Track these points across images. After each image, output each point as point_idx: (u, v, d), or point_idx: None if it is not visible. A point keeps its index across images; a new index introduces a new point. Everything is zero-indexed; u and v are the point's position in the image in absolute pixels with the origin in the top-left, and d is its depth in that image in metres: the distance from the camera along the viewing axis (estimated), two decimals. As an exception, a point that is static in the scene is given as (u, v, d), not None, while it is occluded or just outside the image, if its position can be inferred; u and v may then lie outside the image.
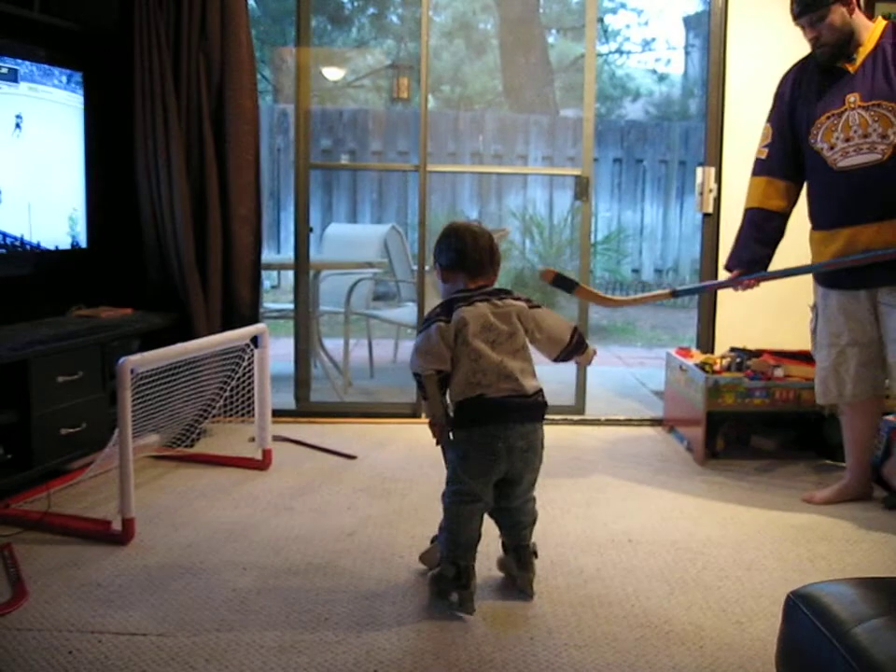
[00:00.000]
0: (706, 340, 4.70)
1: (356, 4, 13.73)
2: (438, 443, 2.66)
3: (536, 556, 2.72)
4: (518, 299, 2.65)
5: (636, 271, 10.35)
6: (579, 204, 8.60)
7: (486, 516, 2.67)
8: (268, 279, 9.34)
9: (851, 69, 3.29)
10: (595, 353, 2.82)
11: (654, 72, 15.26)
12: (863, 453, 3.54)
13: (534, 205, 9.65)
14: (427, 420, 2.67)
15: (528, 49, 11.92)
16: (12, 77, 3.61)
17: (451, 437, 2.63)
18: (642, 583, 2.77)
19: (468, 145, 9.79)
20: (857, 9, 3.30)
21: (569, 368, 4.86)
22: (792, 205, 3.54)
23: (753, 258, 3.55)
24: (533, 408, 2.59)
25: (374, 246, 5.96)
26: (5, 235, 3.65)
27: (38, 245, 3.86)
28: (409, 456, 4.01)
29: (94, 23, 4.11)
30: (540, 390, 2.62)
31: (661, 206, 10.41)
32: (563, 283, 3.72)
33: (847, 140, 3.26)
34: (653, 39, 15.32)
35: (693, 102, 14.16)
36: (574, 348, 2.69)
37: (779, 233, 3.55)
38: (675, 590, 2.72)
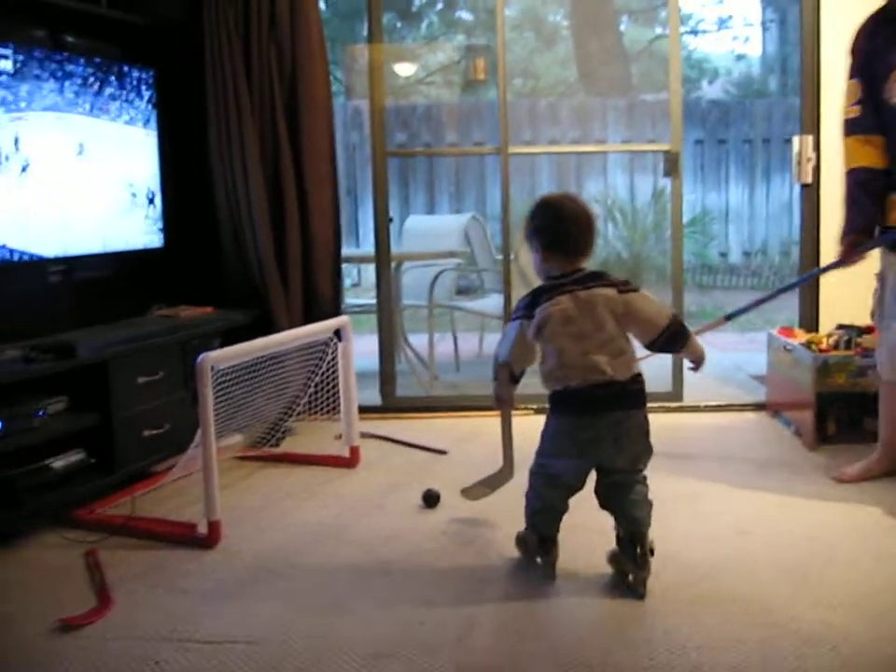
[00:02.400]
0: (809, 318, 4.44)
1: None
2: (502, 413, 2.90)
3: (652, 554, 2.51)
4: (609, 284, 2.51)
5: (723, 254, 10.03)
6: (663, 186, 8.28)
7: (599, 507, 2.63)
8: (348, 277, 9.25)
9: None
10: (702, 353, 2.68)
11: (732, 52, 14.86)
12: None
13: (615, 191, 9.40)
14: (497, 400, 2.71)
15: (602, 33, 11.66)
16: (83, 78, 3.54)
17: (546, 418, 2.62)
18: (762, 579, 2.56)
19: (545, 132, 9.58)
20: None
21: (663, 356, 4.66)
22: (891, 163, 3.27)
23: (867, 222, 3.28)
24: (623, 395, 2.51)
25: (455, 237, 5.80)
26: (80, 237, 3.59)
27: (116, 246, 3.79)
28: (499, 449, 3.82)
29: (163, 17, 4.02)
30: (637, 376, 2.54)
31: (746, 187, 10.07)
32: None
33: None
34: (729, 17, 14.85)
35: (774, 79, 13.74)
36: (671, 336, 2.52)
37: (886, 191, 3.27)
38: (798, 585, 2.51)
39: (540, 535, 2.63)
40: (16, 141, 3.25)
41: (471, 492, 3.14)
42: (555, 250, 2.54)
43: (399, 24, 13.47)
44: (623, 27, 13.04)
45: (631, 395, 2.53)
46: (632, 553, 2.50)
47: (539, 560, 2.64)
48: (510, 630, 2.31)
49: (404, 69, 11.05)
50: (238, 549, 2.89)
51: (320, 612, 2.43)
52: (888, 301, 3.29)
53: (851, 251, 3.28)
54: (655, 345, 2.57)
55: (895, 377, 3.31)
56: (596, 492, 2.62)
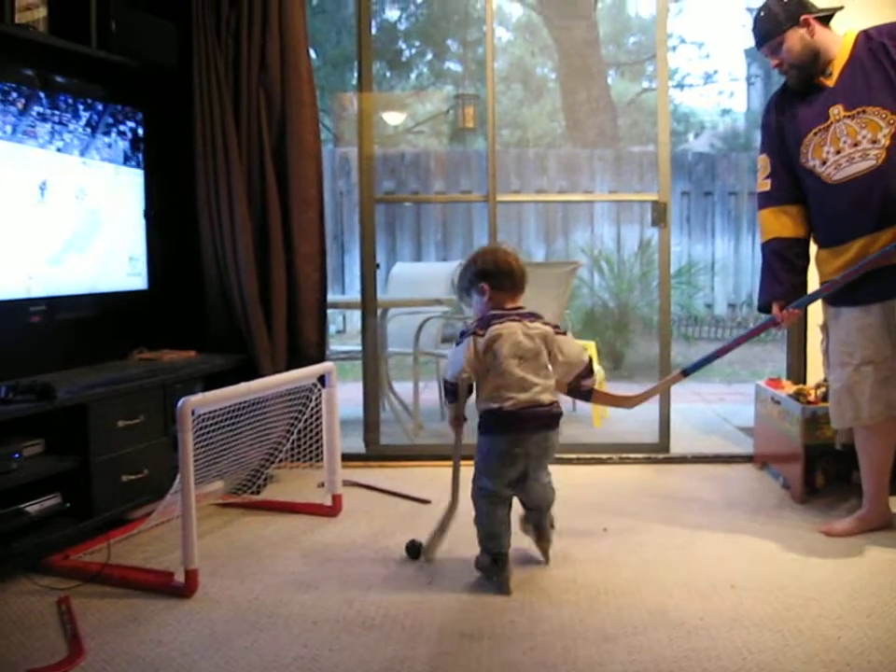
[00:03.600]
0: (797, 369, 4.42)
1: (414, 50, 13.73)
2: (455, 434, 2.98)
3: (553, 528, 3.04)
4: (546, 324, 2.93)
5: (709, 305, 10.04)
6: (649, 237, 8.31)
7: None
8: (333, 323, 9.21)
9: (830, 83, 3.22)
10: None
11: (718, 106, 15.02)
12: (881, 477, 3.33)
13: (602, 241, 9.42)
14: (454, 423, 2.96)
15: (589, 85, 11.76)
16: (71, 116, 3.52)
17: (477, 440, 2.91)
18: (752, 634, 2.49)
19: (532, 182, 9.60)
20: (818, 27, 3.23)
21: (651, 405, 4.62)
22: (809, 230, 3.39)
23: (787, 288, 3.37)
24: (547, 417, 2.87)
25: (442, 284, 5.78)
26: (61, 279, 3.54)
27: (99, 287, 3.75)
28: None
29: (153, 60, 4.00)
30: (556, 402, 2.91)
31: (732, 239, 10.11)
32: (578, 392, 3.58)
33: (839, 152, 3.17)
34: (715, 72, 15.06)
35: (758, 133, 13.85)
36: (584, 375, 3.01)
37: (805, 259, 3.41)
38: (789, 641, 2.45)
39: (493, 555, 2.86)
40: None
41: (430, 548, 3.11)
42: (503, 289, 2.93)
43: (388, 74, 13.57)
44: (610, 81, 13.16)
45: (554, 417, 2.89)
46: (536, 531, 3.03)
47: (494, 578, 2.86)
48: (494, 686, 2.24)
49: (393, 118, 11.11)
50: (216, 598, 2.82)
51: (298, 667, 2.35)
52: (832, 351, 3.35)
53: (784, 311, 3.34)
54: (572, 385, 3.05)
55: (843, 424, 3.35)
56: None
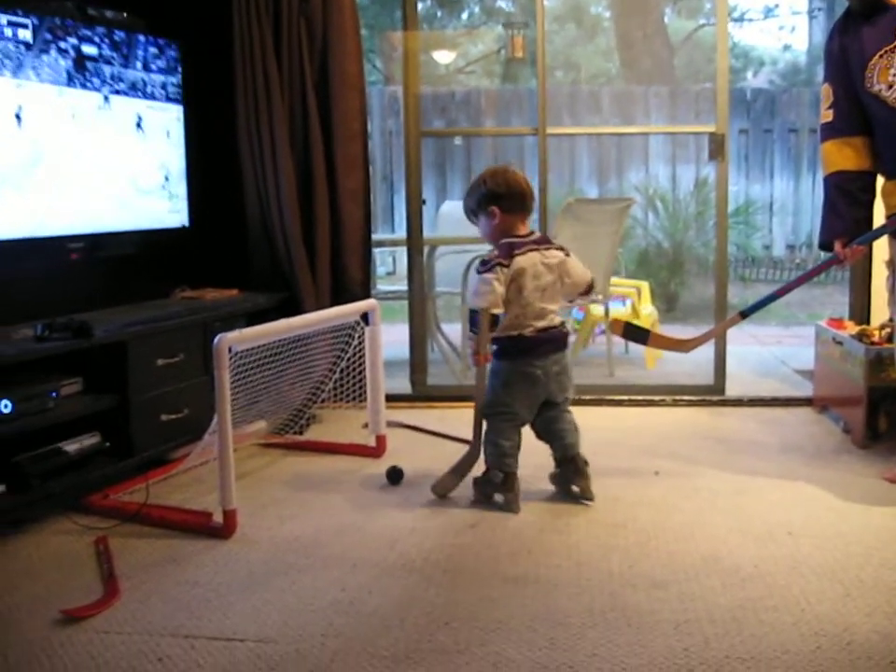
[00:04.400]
0: (860, 309, 4.24)
1: (465, -13, 13.43)
2: (477, 367, 2.98)
3: (587, 464, 3.01)
4: (558, 248, 3.01)
5: (767, 246, 9.77)
6: (705, 176, 8.05)
7: (536, 438, 3.09)
8: (382, 265, 9.11)
9: None
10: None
11: (778, 42, 14.53)
12: None
13: (657, 179, 9.17)
14: (476, 355, 2.93)
15: (645, 21, 11.42)
16: (106, 50, 3.42)
17: (493, 366, 2.98)
18: (811, 583, 2.37)
19: (585, 119, 9.36)
20: None
21: (706, 347, 4.49)
22: (875, 162, 3.19)
23: (849, 224, 3.18)
24: (561, 338, 3.00)
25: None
26: (103, 214, 3.47)
27: (139, 224, 3.67)
28: (531, 440, 3.65)
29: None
30: (563, 322, 3.03)
31: (791, 178, 9.81)
32: (635, 333, 3.62)
33: None
34: (776, 6, 14.52)
35: (821, 68, 13.38)
36: (586, 292, 3.11)
37: (870, 193, 3.21)
38: (851, 591, 2.32)
39: (505, 473, 2.94)
40: (33, 115, 3.13)
41: (441, 485, 3.10)
42: (513, 211, 2.96)
43: (439, 13, 13.31)
44: (665, 19, 12.78)
45: (564, 338, 3.02)
46: (572, 468, 3.00)
47: (501, 497, 2.95)
48: (541, 634, 2.14)
49: (444, 57, 10.89)
50: (255, 539, 2.76)
51: (335, 610, 2.28)
52: None
53: (846, 248, 3.17)
54: (574, 299, 3.28)
55: None
56: (533, 426, 3.06)
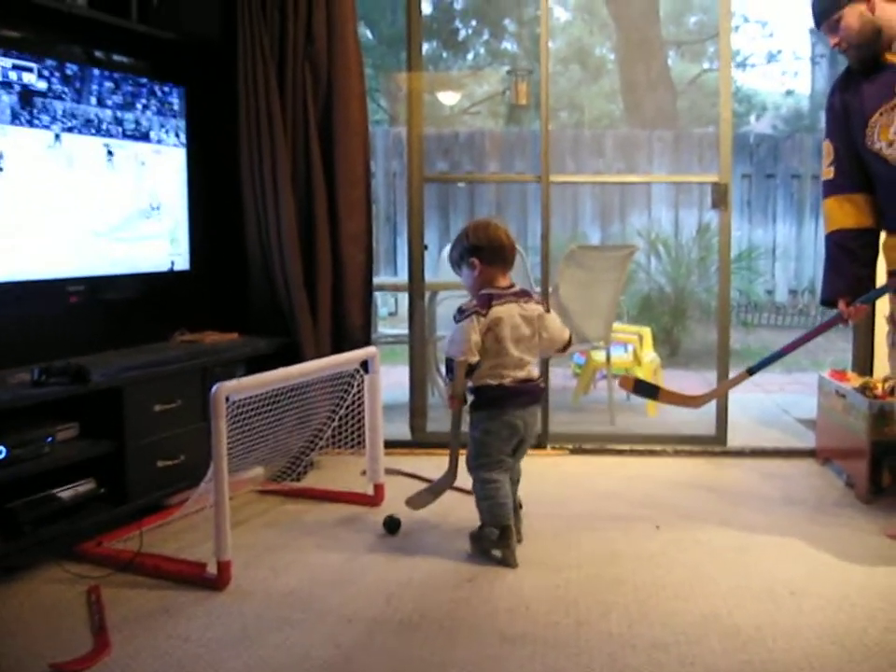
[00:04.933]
0: (863, 361, 4.22)
1: (470, 29, 13.54)
2: (452, 410, 3.04)
3: (521, 507, 3.14)
4: (537, 303, 3.08)
5: (769, 292, 9.77)
6: (708, 221, 8.05)
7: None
8: (384, 305, 9.11)
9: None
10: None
11: (781, 87, 14.62)
12: None
13: (659, 224, 9.18)
14: (452, 399, 3.00)
15: (649, 64, 11.49)
16: (112, 93, 3.42)
17: (473, 419, 3.03)
18: (812, 647, 2.33)
19: (589, 164, 9.39)
20: (879, 1, 3.01)
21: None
22: (877, 219, 3.19)
23: (851, 282, 3.17)
24: (538, 391, 3.07)
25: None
26: (103, 259, 3.46)
27: (139, 268, 3.66)
28: (536, 491, 3.61)
29: (195, 34, 3.90)
30: (541, 376, 3.12)
31: (794, 224, 9.82)
32: (645, 389, 3.66)
33: None
34: (779, 52, 14.62)
35: (823, 114, 13.44)
36: (563, 350, 3.18)
37: (872, 250, 3.20)
38: (854, 656, 2.28)
39: (502, 527, 2.93)
40: (28, 160, 3.13)
41: (416, 500, 3.19)
42: (493, 264, 3.02)
43: (444, 54, 13.41)
44: (669, 62, 12.87)
45: (540, 391, 3.09)
46: None
47: (498, 553, 2.94)
48: (535, 696, 2.10)
49: (448, 98, 10.95)
50: (249, 591, 2.72)
51: (328, 668, 2.24)
52: None
53: (850, 307, 3.16)
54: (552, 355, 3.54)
55: None
56: None
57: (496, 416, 2.98)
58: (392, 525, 3.23)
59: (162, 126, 3.72)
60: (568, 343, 3.14)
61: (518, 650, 2.32)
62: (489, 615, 2.52)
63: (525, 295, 3.05)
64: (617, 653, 2.29)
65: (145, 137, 3.62)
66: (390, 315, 9.28)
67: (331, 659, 2.28)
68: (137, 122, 3.57)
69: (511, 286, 3.06)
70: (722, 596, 2.64)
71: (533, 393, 3.03)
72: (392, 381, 5.79)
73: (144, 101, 3.60)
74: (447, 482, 3.17)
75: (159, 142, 3.70)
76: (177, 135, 3.81)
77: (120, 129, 3.49)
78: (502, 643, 2.36)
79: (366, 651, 2.33)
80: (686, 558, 2.95)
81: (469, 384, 3.00)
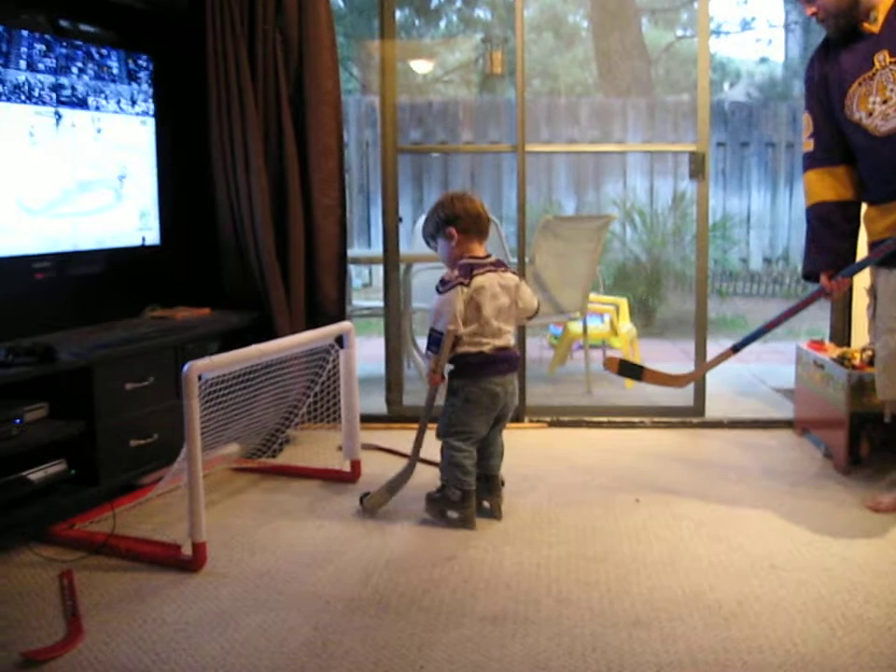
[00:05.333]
0: (841, 331, 4.21)
1: (443, -3, 13.39)
2: (431, 386, 3.05)
3: (503, 484, 3.16)
4: (513, 273, 3.10)
5: (744, 260, 9.76)
6: (683, 190, 8.00)
7: None
8: (359, 277, 9.05)
9: (875, 29, 2.98)
10: None
11: (755, 54, 14.58)
12: None
13: (634, 193, 9.14)
14: (433, 374, 3.01)
15: (623, 31, 11.40)
16: (77, 59, 3.33)
17: (452, 385, 3.04)
18: (795, 622, 2.31)
19: (563, 132, 9.32)
20: None
21: (687, 366, 4.44)
22: (858, 191, 3.17)
23: (833, 256, 3.17)
24: (515, 359, 3.09)
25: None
26: (76, 236, 3.38)
27: (107, 242, 3.58)
28: (515, 465, 3.58)
29: (163, 3, 3.80)
30: (515, 346, 3.14)
31: (769, 192, 9.80)
32: (629, 370, 3.64)
33: (885, 102, 2.95)
34: (753, 19, 14.57)
35: (798, 82, 13.44)
36: (530, 318, 3.24)
37: (853, 223, 3.20)
38: (836, 630, 2.27)
39: (464, 491, 2.99)
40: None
41: (373, 501, 3.15)
42: (470, 233, 3.04)
43: (417, 22, 13.25)
44: (643, 29, 12.77)
45: (517, 359, 3.11)
46: (488, 486, 3.11)
47: (455, 514, 3.01)
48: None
49: (421, 66, 10.83)
50: (225, 573, 2.67)
51: (308, 652, 2.20)
52: (879, 316, 3.13)
53: (832, 280, 3.16)
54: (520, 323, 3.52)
55: (890, 395, 3.15)
56: None
57: (476, 383, 2.99)
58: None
59: (131, 97, 3.63)
60: (536, 312, 3.18)
61: (498, 629, 2.29)
62: (469, 594, 2.49)
63: (501, 265, 3.07)
64: (598, 632, 2.27)
65: (114, 108, 3.53)
66: (364, 286, 9.22)
67: (309, 641, 2.25)
68: (106, 93, 3.48)
69: (488, 256, 3.08)
70: (703, 572, 2.62)
71: (511, 361, 3.06)
72: (367, 353, 5.76)
73: (112, 71, 3.50)
74: (405, 476, 3.18)
75: (128, 113, 3.61)
76: (146, 107, 3.72)
77: (88, 98, 3.40)
78: (482, 623, 2.33)
79: (344, 633, 2.29)
80: (666, 533, 2.93)
81: (424, 351, 3.07)
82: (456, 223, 3.03)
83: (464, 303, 2.94)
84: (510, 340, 3.06)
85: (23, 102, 3.12)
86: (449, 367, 3.04)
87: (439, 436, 3.08)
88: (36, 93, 3.17)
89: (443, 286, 2.99)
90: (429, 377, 3.03)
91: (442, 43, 12.65)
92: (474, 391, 2.99)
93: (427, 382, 3.07)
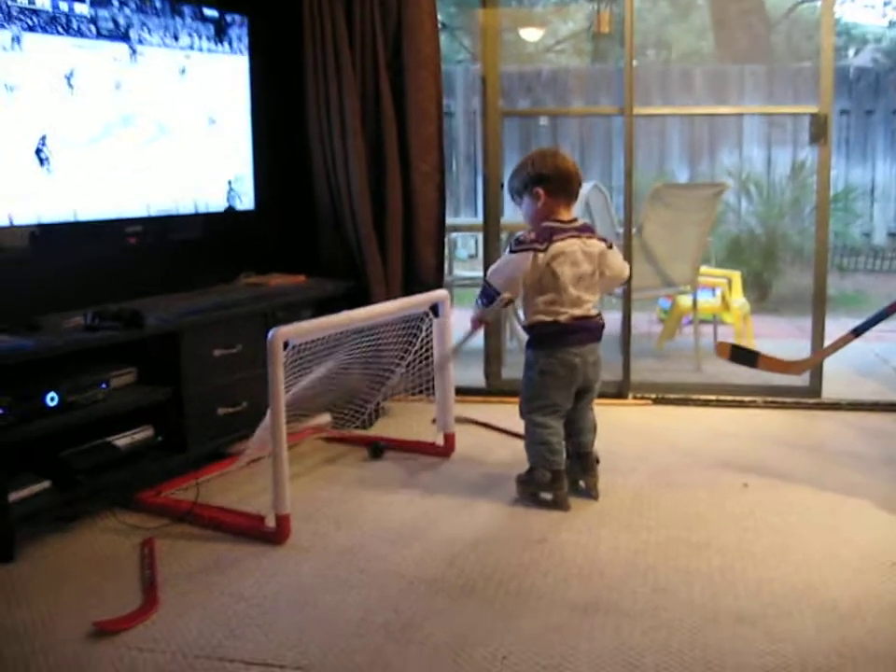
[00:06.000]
0: (974, 307, 3.89)
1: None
2: (471, 331, 2.97)
3: (598, 462, 2.97)
4: (601, 239, 2.91)
5: (867, 234, 9.29)
6: (803, 160, 7.61)
7: None
8: (464, 248, 8.93)
9: None
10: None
11: (884, 17, 13.86)
12: None
13: (751, 163, 8.76)
14: (475, 322, 2.96)
15: (742, -4, 10.95)
16: (175, 25, 3.26)
17: (528, 357, 2.91)
18: (919, 624, 2.11)
19: (677, 100, 8.99)
20: None
21: (802, 344, 4.21)
22: None
23: None
24: (597, 329, 2.91)
25: (577, 207, 5.37)
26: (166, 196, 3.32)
27: (204, 206, 3.52)
28: (616, 443, 3.41)
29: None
30: (600, 314, 2.93)
31: (895, 162, 9.30)
32: (743, 356, 3.47)
33: None
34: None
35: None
36: (621, 286, 3.23)
37: None
38: (966, 636, 2.06)
39: (553, 471, 2.84)
40: (90, 79, 2.99)
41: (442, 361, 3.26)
42: (558, 195, 2.85)
43: (528, -9, 13.01)
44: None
45: (600, 329, 2.92)
46: (582, 464, 2.95)
47: (549, 496, 2.86)
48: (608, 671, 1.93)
49: (531, 35, 10.60)
50: (308, 547, 2.59)
51: (385, 635, 2.09)
52: None
53: None
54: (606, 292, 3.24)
55: None
56: None
57: (552, 355, 2.84)
58: (377, 450, 3.37)
59: (228, 60, 3.55)
60: (627, 282, 3.10)
61: (588, 620, 2.14)
62: (559, 581, 2.35)
63: (587, 230, 2.89)
64: (698, 627, 2.10)
65: (209, 72, 3.45)
66: (470, 257, 9.08)
67: (388, 624, 2.14)
68: (202, 55, 3.40)
69: (574, 220, 2.89)
70: (817, 565, 2.41)
71: (591, 330, 2.89)
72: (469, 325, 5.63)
73: (209, 32, 3.43)
74: (454, 351, 3.25)
75: (224, 77, 3.54)
76: (243, 70, 3.64)
77: (184, 61, 3.33)
78: (571, 612, 2.18)
79: (425, 616, 2.17)
80: (776, 521, 2.73)
81: (522, 320, 2.93)
82: (545, 183, 2.84)
83: (539, 270, 2.79)
84: (591, 309, 2.88)
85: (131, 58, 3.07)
86: (525, 336, 2.94)
87: (522, 414, 2.94)
88: (145, 51, 3.11)
89: (517, 245, 2.83)
90: (472, 322, 2.95)
91: (554, 11, 12.37)
92: (551, 362, 2.84)
93: (470, 325, 2.98)
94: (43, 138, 2.84)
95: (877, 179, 9.31)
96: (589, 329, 2.87)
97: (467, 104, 9.36)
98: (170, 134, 3.33)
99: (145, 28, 3.15)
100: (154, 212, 3.29)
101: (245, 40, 3.64)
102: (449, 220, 4.25)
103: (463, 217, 8.52)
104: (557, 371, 2.83)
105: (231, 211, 3.66)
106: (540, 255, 2.79)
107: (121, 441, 2.86)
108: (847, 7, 13.95)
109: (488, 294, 2.87)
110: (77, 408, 2.69)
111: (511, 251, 2.84)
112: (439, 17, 3.95)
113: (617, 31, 6.31)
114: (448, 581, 2.36)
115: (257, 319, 3.29)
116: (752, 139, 8.96)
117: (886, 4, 14.46)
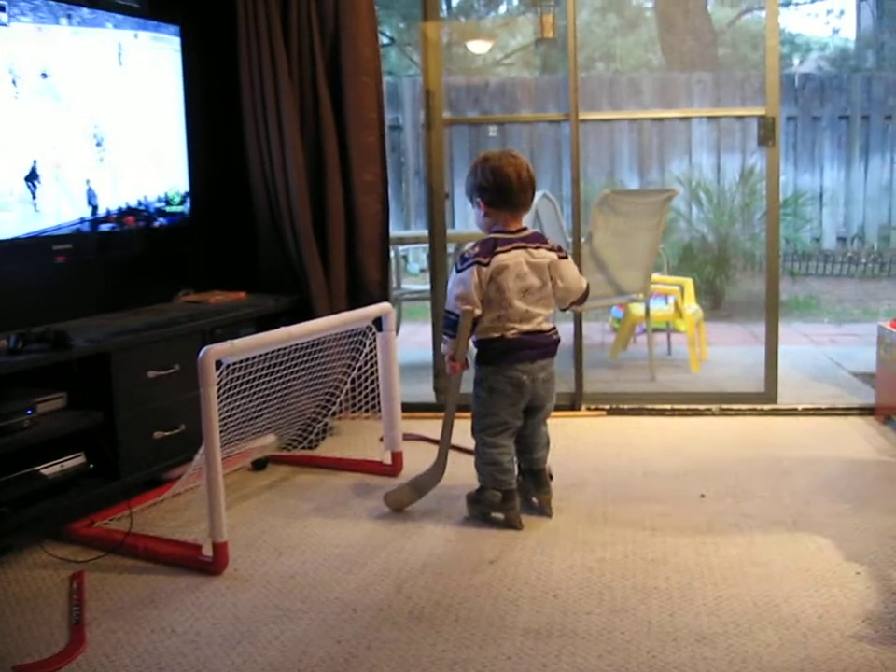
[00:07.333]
0: (927, 309, 3.86)
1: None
2: (452, 375, 2.79)
3: (551, 478, 2.88)
4: (550, 248, 2.76)
5: (816, 239, 9.32)
6: (752, 166, 7.61)
7: None
8: (416, 261, 8.83)
9: None
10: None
11: (826, 26, 14.01)
12: None
13: (700, 170, 8.75)
14: (452, 362, 2.75)
15: (687, 6, 10.99)
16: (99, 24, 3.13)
17: (476, 374, 2.79)
18: (885, 640, 2.01)
19: (625, 108, 8.97)
20: None
21: (756, 350, 4.15)
22: None
23: None
24: (550, 344, 2.79)
25: (526, 216, 5.29)
26: (98, 209, 3.18)
27: (139, 223, 3.38)
28: (570, 457, 3.33)
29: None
30: (555, 329, 2.82)
31: (842, 167, 9.33)
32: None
33: None
34: (824, -11, 13.97)
35: (871, 53, 12.85)
36: (580, 301, 2.85)
37: None
38: (933, 649, 1.97)
39: (504, 490, 2.74)
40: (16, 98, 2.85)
41: (394, 496, 2.93)
42: (498, 206, 2.72)
43: (475, 4, 12.98)
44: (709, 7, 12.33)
45: (553, 344, 2.81)
46: (535, 481, 2.85)
47: (500, 516, 2.76)
48: (562, 702, 1.82)
49: (478, 47, 10.56)
50: (247, 577, 2.45)
51: (326, 667, 1.96)
52: None
53: None
54: (565, 308, 2.91)
55: None
56: None
57: (498, 371, 2.73)
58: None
59: (160, 68, 3.42)
60: (586, 295, 2.85)
61: (542, 645, 2.03)
62: (511, 604, 2.24)
63: (536, 240, 2.75)
64: (656, 649, 2.00)
65: (139, 79, 3.32)
66: (422, 271, 8.99)
67: (330, 657, 2.01)
68: (131, 62, 3.27)
69: (523, 229, 2.77)
70: (778, 580, 2.32)
71: (543, 346, 2.77)
72: (420, 339, 5.52)
73: (138, 40, 3.30)
74: (434, 477, 2.93)
75: (155, 86, 3.41)
76: (174, 78, 3.51)
77: (113, 67, 3.20)
78: (525, 637, 2.07)
79: (370, 647, 2.05)
80: (735, 534, 2.64)
81: (473, 338, 2.76)
82: (483, 195, 2.73)
83: (484, 284, 2.67)
84: (542, 323, 2.75)
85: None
86: (475, 350, 2.79)
87: (473, 433, 2.84)
88: (71, 59, 2.98)
89: (462, 263, 2.71)
90: (449, 365, 2.77)
91: (502, 24, 12.35)
92: (497, 379, 2.73)
93: (448, 371, 2.80)
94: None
95: (825, 184, 9.35)
96: (540, 344, 2.76)
97: (415, 117, 9.27)
98: (102, 145, 3.18)
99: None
100: (85, 228, 3.14)
101: (178, 49, 3.51)
102: (398, 233, 4.15)
103: (414, 230, 8.43)
104: (504, 388, 2.73)
105: (166, 227, 3.52)
106: (484, 269, 2.67)
107: (50, 469, 2.70)
108: (791, 17, 14.09)
109: (451, 323, 2.72)
110: (2, 435, 2.54)
111: (458, 270, 2.73)
112: (388, 33, 3.86)
113: (561, 36, 6.27)
114: (395, 608, 2.24)
115: (194, 338, 3.15)
116: (701, 146, 8.97)
117: (829, 12, 14.62)
